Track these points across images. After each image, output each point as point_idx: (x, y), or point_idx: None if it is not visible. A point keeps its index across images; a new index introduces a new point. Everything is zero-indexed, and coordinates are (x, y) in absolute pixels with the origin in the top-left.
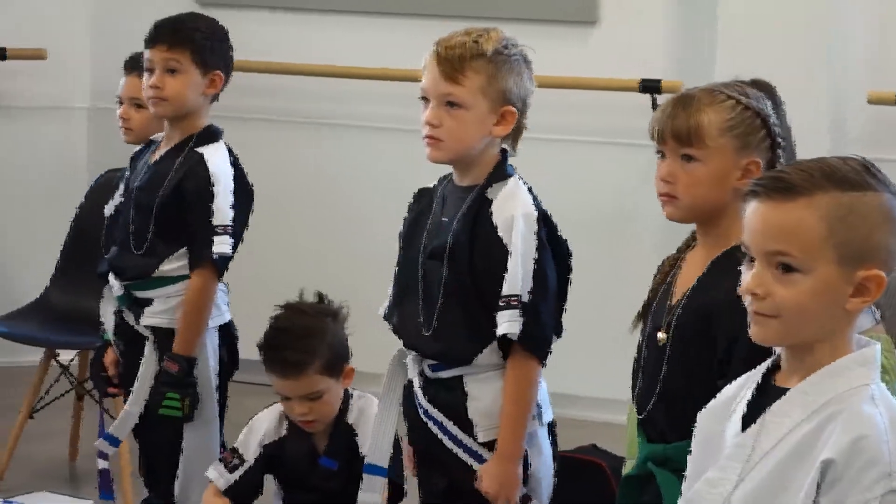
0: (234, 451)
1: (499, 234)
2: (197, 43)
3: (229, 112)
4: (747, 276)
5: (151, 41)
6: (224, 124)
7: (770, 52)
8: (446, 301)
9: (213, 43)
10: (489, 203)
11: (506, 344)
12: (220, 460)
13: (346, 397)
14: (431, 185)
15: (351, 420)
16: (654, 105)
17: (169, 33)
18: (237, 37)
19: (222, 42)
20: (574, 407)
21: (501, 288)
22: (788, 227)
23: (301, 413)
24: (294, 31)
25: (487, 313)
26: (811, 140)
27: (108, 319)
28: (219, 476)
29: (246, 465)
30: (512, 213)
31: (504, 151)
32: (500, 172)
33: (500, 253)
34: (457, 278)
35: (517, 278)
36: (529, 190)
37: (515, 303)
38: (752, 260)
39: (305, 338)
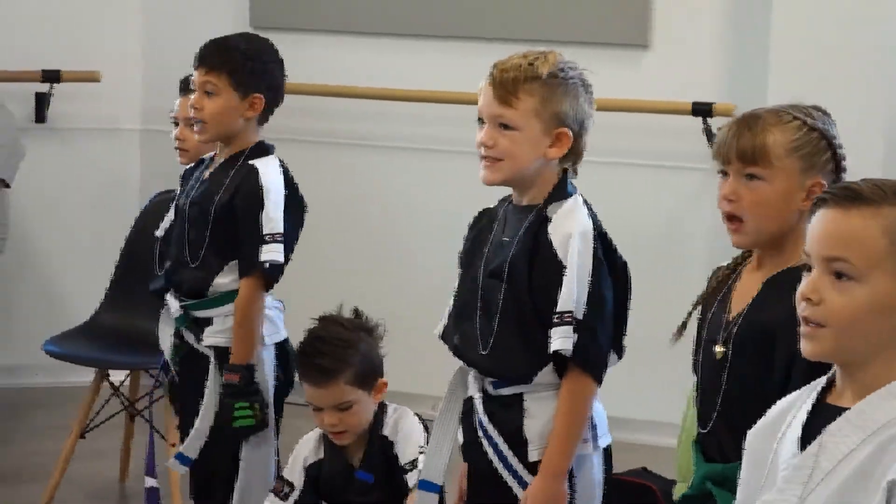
0: (283, 479)
1: (555, 251)
2: (234, 65)
3: (273, 133)
4: (804, 283)
5: (197, 62)
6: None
7: (823, 74)
8: (504, 320)
9: (254, 65)
10: (547, 221)
11: (560, 361)
12: (272, 491)
13: (382, 409)
14: (493, 206)
15: (387, 432)
16: (707, 128)
17: (209, 55)
18: (286, 59)
19: (266, 64)
20: (623, 430)
21: (552, 304)
22: (850, 233)
23: (331, 424)
24: (343, 54)
25: (545, 332)
26: (864, 162)
27: (166, 343)
28: None
29: (296, 492)
30: (569, 230)
31: (565, 171)
32: (561, 191)
33: (556, 271)
34: (515, 297)
35: (571, 295)
36: (590, 209)
37: (569, 319)
38: (810, 270)
39: (339, 347)
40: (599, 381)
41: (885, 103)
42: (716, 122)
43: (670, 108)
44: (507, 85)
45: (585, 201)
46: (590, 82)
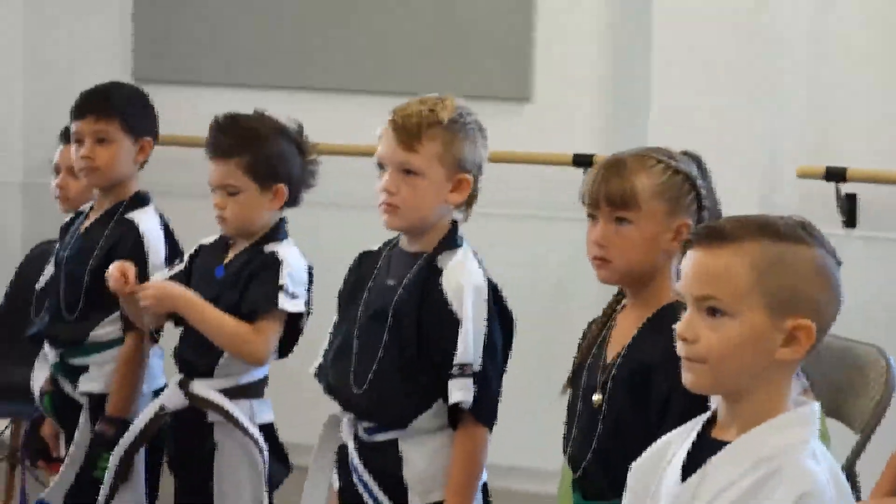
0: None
1: (449, 303)
2: (125, 112)
3: (160, 186)
4: (681, 321)
5: (79, 112)
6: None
7: (701, 126)
8: (384, 362)
9: (141, 110)
10: (439, 272)
11: (454, 411)
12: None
13: (278, 227)
14: (375, 249)
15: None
16: None
17: (97, 104)
18: (170, 111)
19: (148, 108)
20: (506, 478)
21: (447, 355)
22: (716, 271)
23: (216, 203)
24: (226, 107)
25: (428, 378)
26: (741, 213)
27: (37, 385)
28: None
29: (181, 266)
30: (463, 282)
31: (454, 222)
32: (451, 241)
33: (448, 321)
34: (399, 341)
35: (469, 348)
36: (479, 261)
37: (469, 371)
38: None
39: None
40: (492, 428)
41: (761, 157)
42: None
43: (552, 159)
44: (410, 130)
45: (474, 252)
46: (484, 126)
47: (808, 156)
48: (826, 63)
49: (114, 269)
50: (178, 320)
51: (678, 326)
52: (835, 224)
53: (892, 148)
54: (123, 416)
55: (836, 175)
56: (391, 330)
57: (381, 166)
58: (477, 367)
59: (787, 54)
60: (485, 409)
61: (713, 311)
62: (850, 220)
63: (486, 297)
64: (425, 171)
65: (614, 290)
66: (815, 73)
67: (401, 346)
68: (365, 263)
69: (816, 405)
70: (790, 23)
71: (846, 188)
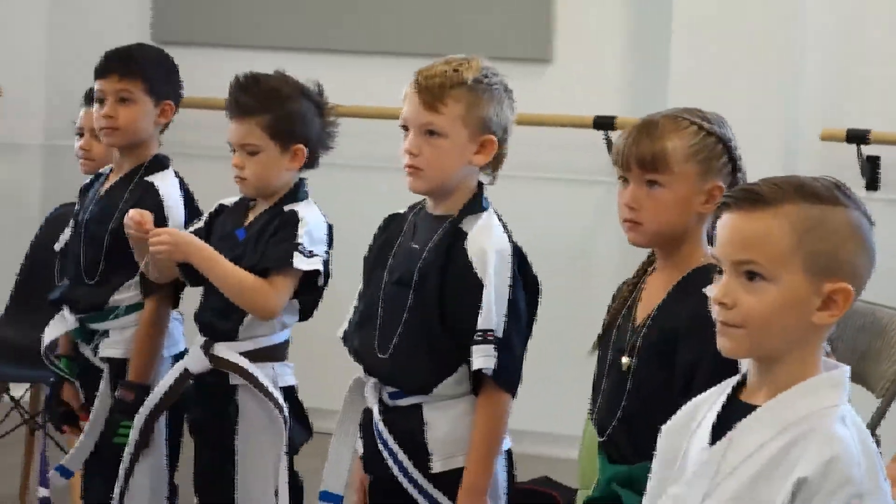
0: (200, 213)
1: (473, 267)
2: (148, 73)
3: (178, 147)
4: (716, 287)
5: (102, 72)
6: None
7: (723, 89)
8: (408, 327)
9: (164, 72)
10: (464, 235)
11: (477, 376)
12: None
13: (298, 188)
14: (402, 212)
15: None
16: (608, 141)
17: (120, 64)
18: (188, 72)
19: (172, 72)
20: (524, 442)
21: (470, 320)
22: (756, 235)
23: (235, 163)
24: (245, 68)
25: (451, 344)
26: (763, 176)
27: (48, 338)
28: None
29: (199, 224)
30: (487, 247)
31: (481, 184)
32: (476, 205)
33: (473, 285)
34: (422, 306)
35: (492, 313)
36: (504, 225)
37: (491, 337)
38: (722, 273)
39: (268, 90)
40: (515, 395)
41: (784, 117)
42: (617, 136)
43: (573, 121)
44: (433, 91)
45: (498, 216)
46: (511, 88)
47: (830, 118)
48: (849, 25)
49: (133, 213)
50: (193, 280)
51: (715, 292)
52: (857, 187)
53: None
54: (144, 382)
55: (858, 138)
56: (415, 295)
57: (405, 128)
58: (500, 333)
59: (810, 16)
60: (507, 375)
61: (751, 276)
62: (872, 182)
63: (511, 262)
64: (448, 131)
65: (637, 253)
66: (838, 36)
67: (425, 311)
68: (391, 226)
69: (847, 368)
70: None
71: (868, 151)
